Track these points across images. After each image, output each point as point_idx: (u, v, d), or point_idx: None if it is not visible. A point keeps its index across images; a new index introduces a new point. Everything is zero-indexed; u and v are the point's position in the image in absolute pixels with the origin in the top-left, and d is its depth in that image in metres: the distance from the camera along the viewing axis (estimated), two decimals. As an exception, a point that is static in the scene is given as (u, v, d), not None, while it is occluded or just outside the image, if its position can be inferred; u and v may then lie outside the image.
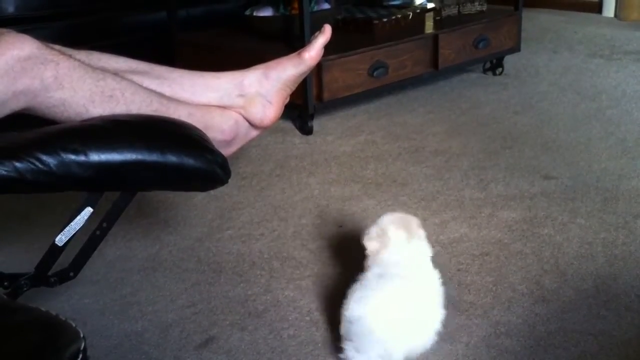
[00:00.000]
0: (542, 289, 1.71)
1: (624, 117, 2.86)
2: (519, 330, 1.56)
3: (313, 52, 1.54)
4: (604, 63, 3.64)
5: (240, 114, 1.51)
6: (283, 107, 1.56)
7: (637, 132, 2.68)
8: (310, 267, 1.86)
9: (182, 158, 1.30)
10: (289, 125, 2.82)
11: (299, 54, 1.53)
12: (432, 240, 1.93)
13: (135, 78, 1.42)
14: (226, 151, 1.48)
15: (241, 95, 1.50)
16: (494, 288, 1.72)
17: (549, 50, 3.93)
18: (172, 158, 1.29)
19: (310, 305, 1.69)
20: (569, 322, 1.58)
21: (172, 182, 1.36)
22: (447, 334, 1.55)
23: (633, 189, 2.22)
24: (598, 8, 4.76)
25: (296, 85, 1.59)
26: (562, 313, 1.62)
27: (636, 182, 2.26)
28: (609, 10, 4.71)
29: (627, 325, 1.57)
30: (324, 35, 1.54)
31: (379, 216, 1.57)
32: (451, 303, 1.65)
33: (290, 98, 1.58)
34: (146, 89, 1.39)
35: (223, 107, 1.50)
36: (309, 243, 1.97)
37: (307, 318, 1.64)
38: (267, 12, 2.99)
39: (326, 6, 2.98)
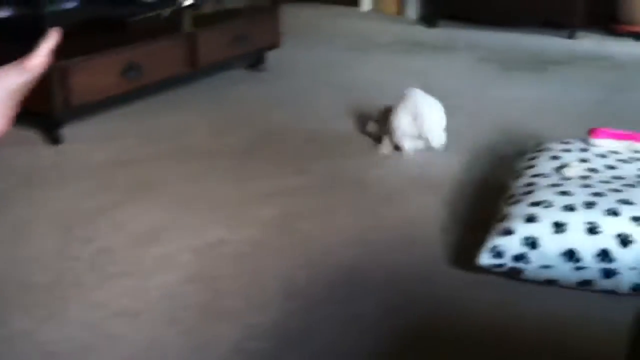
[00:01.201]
0: (295, 285, 1.74)
1: (375, 108, 3.01)
2: (270, 331, 1.57)
3: (37, 59, 1.42)
4: (360, 56, 3.83)
5: (-38, 127, 1.36)
6: (12, 119, 1.43)
7: (387, 122, 2.85)
8: (52, 291, 1.72)
9: None
10: (34, 134, 2.62)
11: (23, 61, 1.41)
12: (188, 247, 1.91)
13: None
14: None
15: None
16: (247, 290, 1.72)
17: (309, 44, 4.06)
18: None
19: (46, 336, 1.56)
20: (318, 315, 1.63)
21: None
22: (197, 345, 1.53)
23: (381, 177, 2.35)
24: (356, 2, 5.01)
25: (24, 95, 1.46)
26: (312, 306, 1.66)
27: (384, 171, 2.39)
28: (367, 3, 4.98)
29: (370, 310, 1.65)
30: (50, 40, 1.43)
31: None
32: (203, 311, 1.64)
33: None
34: None
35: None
36: (54, 264, 1.84)
37: (44, 350, 1.52)
38: (5, 13, 2.75)
39: (72, 4, 2.81)
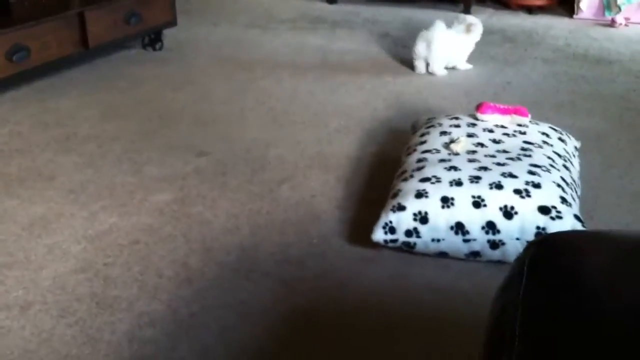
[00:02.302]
0: (188, 270, 1.73)
1: (275, 86, 3.01)
2: (163, 318, 1.56)
3: None
4: (261, 33, 3.80)
5: None
6: None
7: (286, 101, 2.84)
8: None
9: None
10: None
11: None
12: (79, 236, 1.86)
13: None
14: None
15: None
16: (140, 277, 1.70)
17: (210, 22, 3.99)
18: None
19: None
20: (211, 299, 1.62)
21: None
22: (89, 336, 1.50)
23: (279, 156, 2.34)
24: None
25: None
26: (205, 291, 1.65)
27: (282, 150, 2.39)
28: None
29: (265, 291, 1.66)
30: None
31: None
32: (94, 302, 1.60)
33: None
34: None
35: None
36: (-64, 258, 1.76)
37: None
38: None
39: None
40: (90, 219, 1.94)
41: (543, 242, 1.03)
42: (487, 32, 3.89)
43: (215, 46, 3.54)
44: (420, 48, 3.18)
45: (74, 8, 2.94)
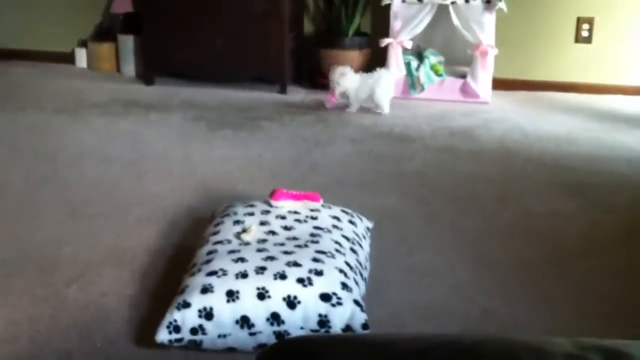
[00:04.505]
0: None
1: (77, 177, 2.90)
2: None
3: None
4: (69, 119, 3.68)
5: None
6: None
7: (87, 192, 2.75)
8: None
9: None
10: None
11: None
12: None
13: None
14: None
15: None
16: None
17: (14, 108, 3.82)
18: None
19: None
20: None
21: None
22: None
23: (71, 254, 2.24)
24: (71, 59, 4.83)
25: None
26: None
27: (75, 247, 2.29)
28: (82, 60, 4.82)
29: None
30: None
31: None
32: None
33: None
34: None
35: None
36: None
37: None
38: None
39: None
40: None
41: (271, 352, 1.03)
42: (302, 114, 4.03)
43: (16, 135, 3.38)
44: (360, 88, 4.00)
45: None
